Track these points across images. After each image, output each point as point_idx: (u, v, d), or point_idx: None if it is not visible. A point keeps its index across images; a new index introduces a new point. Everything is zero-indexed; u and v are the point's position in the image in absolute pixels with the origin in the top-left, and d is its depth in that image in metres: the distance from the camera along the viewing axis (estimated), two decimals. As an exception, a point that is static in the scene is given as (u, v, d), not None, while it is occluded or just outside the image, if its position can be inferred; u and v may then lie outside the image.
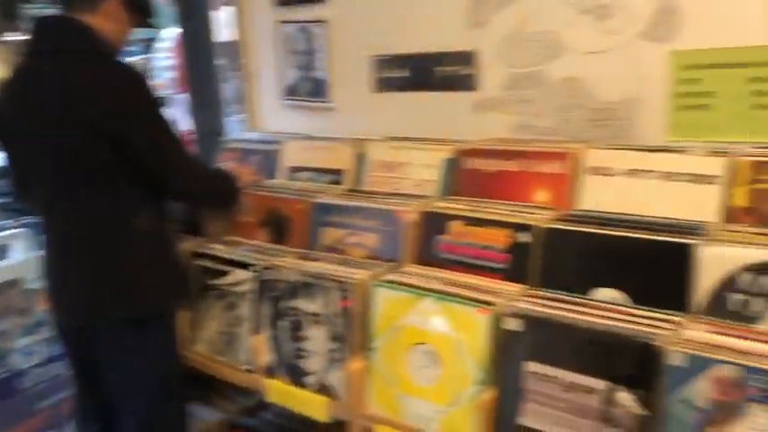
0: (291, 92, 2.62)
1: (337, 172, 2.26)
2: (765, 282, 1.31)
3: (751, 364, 1.17)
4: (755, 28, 1.62)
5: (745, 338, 1.26)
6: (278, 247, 2.06)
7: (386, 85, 2.34)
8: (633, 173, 1.68)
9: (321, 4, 2.44)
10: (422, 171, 2.07)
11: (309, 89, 2.55)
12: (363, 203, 1.95)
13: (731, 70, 1.66)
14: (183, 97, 3.20)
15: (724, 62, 1.67)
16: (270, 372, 1.88)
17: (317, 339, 1.77)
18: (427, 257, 1.81)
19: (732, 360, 1.18)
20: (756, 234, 1.41)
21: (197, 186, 1.96)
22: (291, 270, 1.83)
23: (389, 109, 2.33)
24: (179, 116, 3.44)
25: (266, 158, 2.45)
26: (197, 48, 2.84)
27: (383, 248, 1.87)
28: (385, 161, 2.16)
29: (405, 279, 1.68)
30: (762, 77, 1.62)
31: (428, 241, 1.81)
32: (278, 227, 2.11)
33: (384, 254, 1.87)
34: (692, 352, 1.23)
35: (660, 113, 1.80)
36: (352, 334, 1.71)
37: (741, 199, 1.52)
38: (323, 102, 2.50)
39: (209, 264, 2.06)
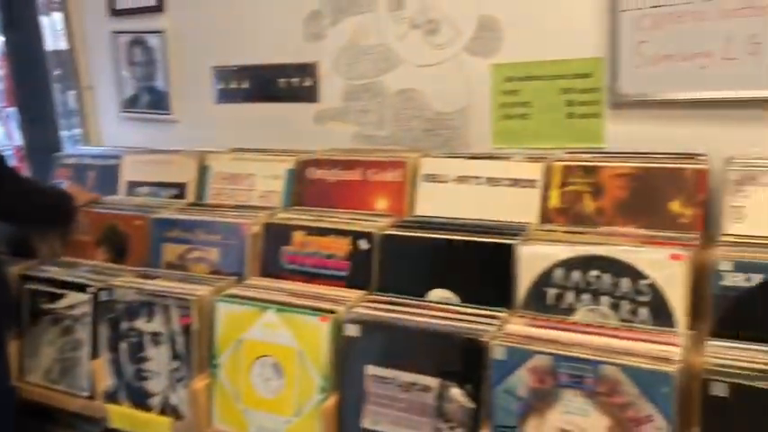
0: (130, 104, 2.53)
1: (180, 186, 2.21)
2: (574, 276, 1.44)
3: (560, 352, 1.27)
4: (566, 43, 1.77)
5: (559, 329, 1.37)
6: (116, 266, 1.98)
7: (228, 96, 2.32)
8: (462, 179, 1.78)
9: (158, 15, 2.38)
10: (266, 182, 2.07)
11: (149, 101, 2.48)
12: (205, 217, 1.92)
13: (545, 82, 1.80)
14: (13, 111, 2.98)
15: (539, 74, 1.81)
16: (112, 396, 1.81)
17: (158, 359, 1.72)
18: (272, 269, 1.81)
19: (545, 350, 1.28)
20: (567, 233, 1.54)
21: (24, 206, 1.85)
22: (129, 290, 1.77)
23: (232, 120, 2.32)
24: (8, 131, 3.21)
25: (104, 174, 2.35)
26: (26, 57, 2.67)
27: (227, 262, 1.85)
28: (229, 173, 2.15)
29: (247, 293, 1.68)
30: (572, 88, 1.77)
31: (272, 253, 1.82)
32: (116, 245, 2.03)
33: (228, 268, 1.85)
34: (511, 345, 1.32)
35: (487, 122, 1.92)
36: (195, 352, 1.68)
37: (555, 201, 1.65)
38: (164, 114, 2.44)
39: (42, 287, 1.95)
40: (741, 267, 1.29)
